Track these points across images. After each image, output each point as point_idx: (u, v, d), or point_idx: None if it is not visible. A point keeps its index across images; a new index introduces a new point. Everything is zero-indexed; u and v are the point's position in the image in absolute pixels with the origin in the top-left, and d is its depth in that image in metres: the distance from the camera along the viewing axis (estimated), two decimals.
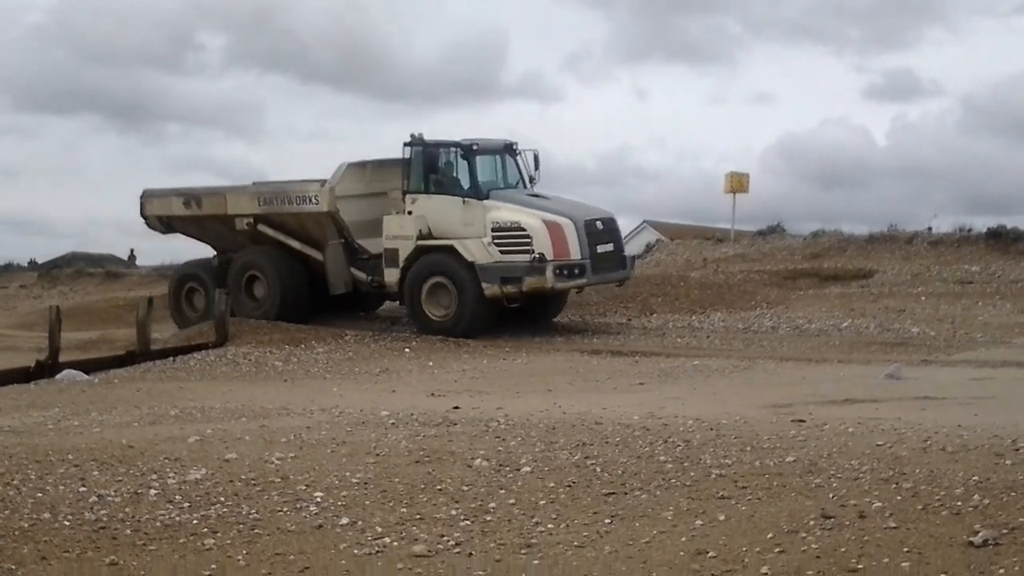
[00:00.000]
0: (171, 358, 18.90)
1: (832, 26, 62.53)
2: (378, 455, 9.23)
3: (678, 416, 11.01)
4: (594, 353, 18.55)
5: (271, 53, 65.09)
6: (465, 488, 8.09)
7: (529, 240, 20.07)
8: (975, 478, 7.64)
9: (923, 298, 22.56)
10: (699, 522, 7.09)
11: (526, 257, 20.00)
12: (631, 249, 24.86)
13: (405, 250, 21.01)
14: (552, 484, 8.15)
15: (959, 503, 7.09)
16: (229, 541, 6.95)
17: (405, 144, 21.28)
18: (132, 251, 40.94)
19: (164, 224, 24.39)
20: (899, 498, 7.30)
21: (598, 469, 8.55)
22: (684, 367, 16.50)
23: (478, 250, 20.35)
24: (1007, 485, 7.42)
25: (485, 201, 20.68)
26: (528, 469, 8.61)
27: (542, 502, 7.71)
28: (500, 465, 8.76)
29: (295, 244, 22.58)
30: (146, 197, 24.48)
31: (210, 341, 19.98)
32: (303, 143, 66.01)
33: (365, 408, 12.23)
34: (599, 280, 21.11)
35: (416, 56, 62.08)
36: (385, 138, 65.96)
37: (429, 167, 21.15)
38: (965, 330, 19.07)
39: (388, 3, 67.75)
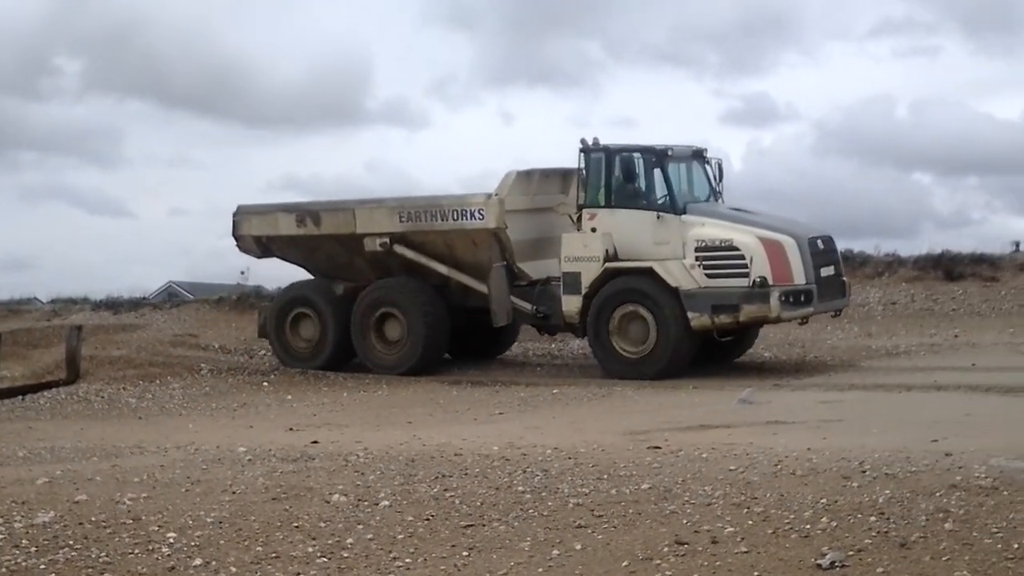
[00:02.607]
0: (19, 397, 18.37)
1: (692, 51, 63.72)
2: (234, 493, 9.10)
3: (537, 445, 11.08)
4: (454, 383, 18.55)
5: (130, 78, 63.67)
6: (322, 524, 8.01)
7: (744, 261, 17.15)
8: (823, 501, 7.86)
9: None
10: (556, 552, 7.15)
11: (742, 281, 17.09)
12: None
13: (590, 274, 17.93)
14: (411, 518, 8.13)
15: (808, 526, 7.28)
16: None
17: (581, 150, 18.31)
18: None
19: (262, 247, 21.07)
20: (750, 522, 7.47)
21: (457, 501, 8.56)
22: (544, 395, 16.61)
23: (680, 273, 17.38)
24: (854, 507, 7.65)
25: (683, 216, 17.79)
26: (387, 503, 8.57)
27: (400, 536, 7.68)
28: (358, 500, 8.71)
29: (440, 268, 19.41)
30: (242, 215, 20.89)
31: (61, 379, 19.46)
32: (163, 170, 64.80)
33: (221, 445, 12.05)
34: (824, 308, 18.11)
35: (280, 81, 61.42)
36: (249, 164, 65.12)
37: (614, 176, 18.13)
38: (815, 354, 19.57)
39: (251, 28, 67.00)
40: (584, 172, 18.30)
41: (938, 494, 7.85)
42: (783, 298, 17.02)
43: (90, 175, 68.76)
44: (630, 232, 17.90)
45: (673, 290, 17.34)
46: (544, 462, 10.00)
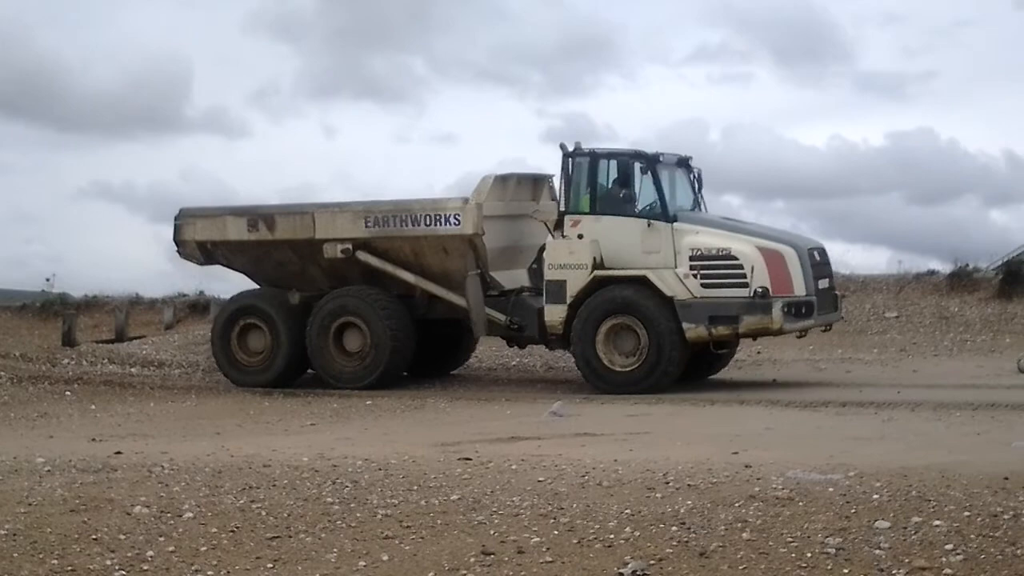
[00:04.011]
0: None
1: (515, 71, 64.30)
2: (30, 504, 8.78)
3: (348, 457, 11.01)
4: (266, 394, 18.31)
5: None
6: (122, 537, 7.80)
7: (742, 271, 16.57)
8: (628, 511, 8.01)
9: None
10: (362, 563, 7.11)
11: (740, 292, 16.51)
12: None
13: (577, 282, 17.09)
14: (215, 529, 7.97)
15: (612, 536, 7.41)
16: None
17: (566, 155, 17.44)
18: None
19: (206, 253, 19.73)
20: (556, 533, 7.57)
21: (263, 513, 8.44)
22: (357, 407, 16.53)
23: (674, 282, 16.70)
24: (656, 517, 7.82)
25: (675, 224, 17.05)
26: (191, 515, 8.39)
27: (203, 548, 7.53)
28: (161, 511, 8.50)
29: (407, 277, 18.43)
30: (185, 218, 19.57)
31: None
32: None
33: (19, 455, 11.59)
34: (822, 321, 17.46)
35: (95, 86, 59.30)
36: (60, 170, 62.86)
37: (599, 182, 17.40)
38: None
39: (66, 30, 64.84)
40: (566, 177, 17.56)
41: (737, 504, 8.09)
42: (785, 309, 16.56)
43: None
44: (618, 240, 17.21)
45: (667, 300, 16.74)
46: (354, 473, 9.95)
